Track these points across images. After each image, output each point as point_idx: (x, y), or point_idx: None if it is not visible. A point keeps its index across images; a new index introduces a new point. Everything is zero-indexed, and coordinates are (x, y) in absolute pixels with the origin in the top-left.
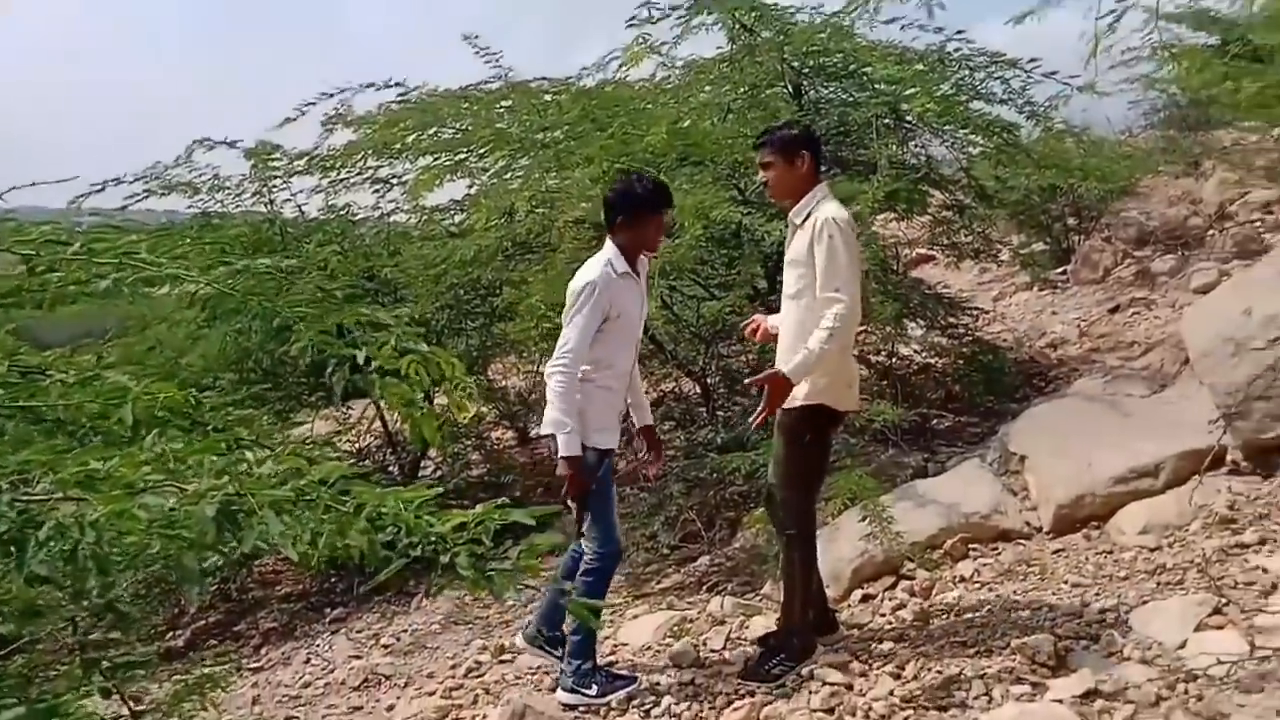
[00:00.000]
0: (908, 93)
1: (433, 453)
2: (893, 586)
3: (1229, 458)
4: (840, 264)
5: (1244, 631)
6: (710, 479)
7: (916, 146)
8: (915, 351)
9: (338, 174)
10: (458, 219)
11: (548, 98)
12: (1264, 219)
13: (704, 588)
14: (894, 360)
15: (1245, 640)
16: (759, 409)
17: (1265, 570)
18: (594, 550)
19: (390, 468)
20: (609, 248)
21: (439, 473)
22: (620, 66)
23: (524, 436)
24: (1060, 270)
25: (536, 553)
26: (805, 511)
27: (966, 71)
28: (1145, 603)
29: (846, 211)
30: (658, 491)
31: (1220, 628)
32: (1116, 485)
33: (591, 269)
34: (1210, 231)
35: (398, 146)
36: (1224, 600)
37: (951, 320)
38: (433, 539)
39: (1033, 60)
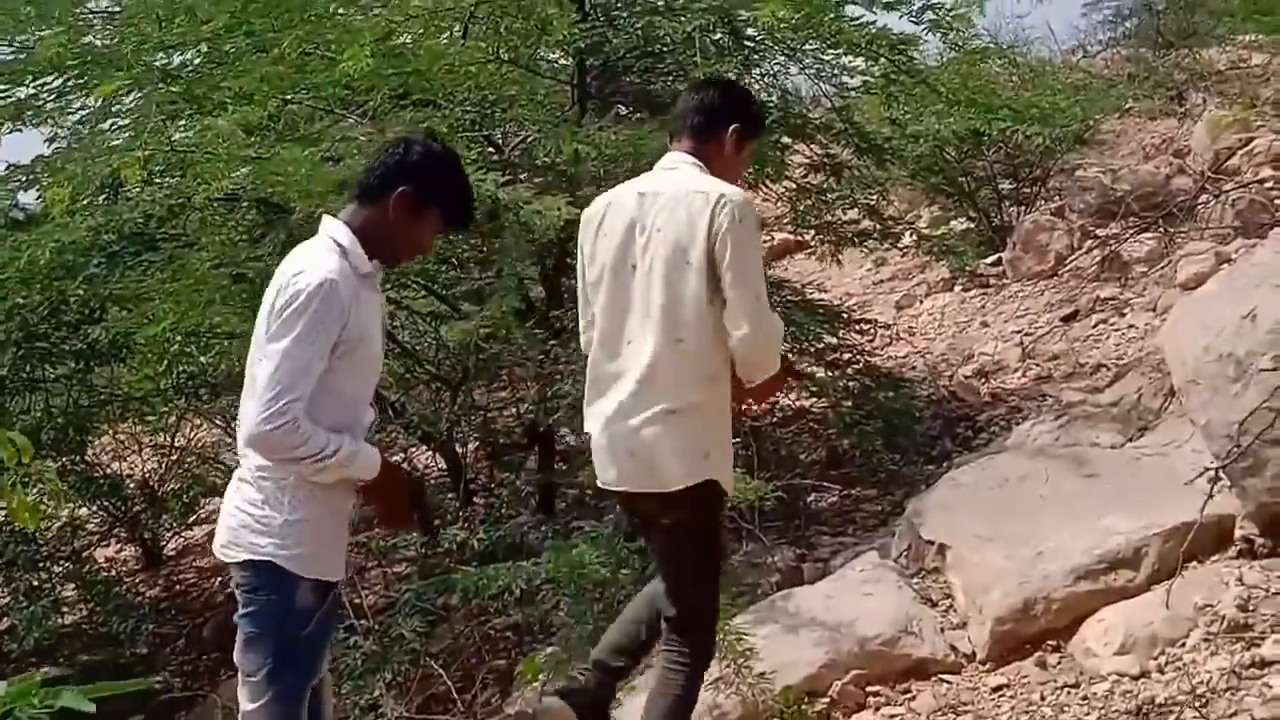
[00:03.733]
0: None
1: None
2: None
3: (1238, 532)
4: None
5: None
6: (465, 608)
7: (765, 76)
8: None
9: None
10: (25, 198)
11: None
12: (1276, 176)
13: None
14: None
15: None
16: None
17: None
18: None
19: None
20: (341, 231)
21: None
22: None
23: (152, 553)
24: (992, 259)
25: None
26: (714, 620)
27: None
28: None
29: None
30: (380, 633)
31: None
32: (1080, 583)
33: (318, 260)
34: (1203, 197)
35: None
36: None
37: (833, 342)
38: None
39: None
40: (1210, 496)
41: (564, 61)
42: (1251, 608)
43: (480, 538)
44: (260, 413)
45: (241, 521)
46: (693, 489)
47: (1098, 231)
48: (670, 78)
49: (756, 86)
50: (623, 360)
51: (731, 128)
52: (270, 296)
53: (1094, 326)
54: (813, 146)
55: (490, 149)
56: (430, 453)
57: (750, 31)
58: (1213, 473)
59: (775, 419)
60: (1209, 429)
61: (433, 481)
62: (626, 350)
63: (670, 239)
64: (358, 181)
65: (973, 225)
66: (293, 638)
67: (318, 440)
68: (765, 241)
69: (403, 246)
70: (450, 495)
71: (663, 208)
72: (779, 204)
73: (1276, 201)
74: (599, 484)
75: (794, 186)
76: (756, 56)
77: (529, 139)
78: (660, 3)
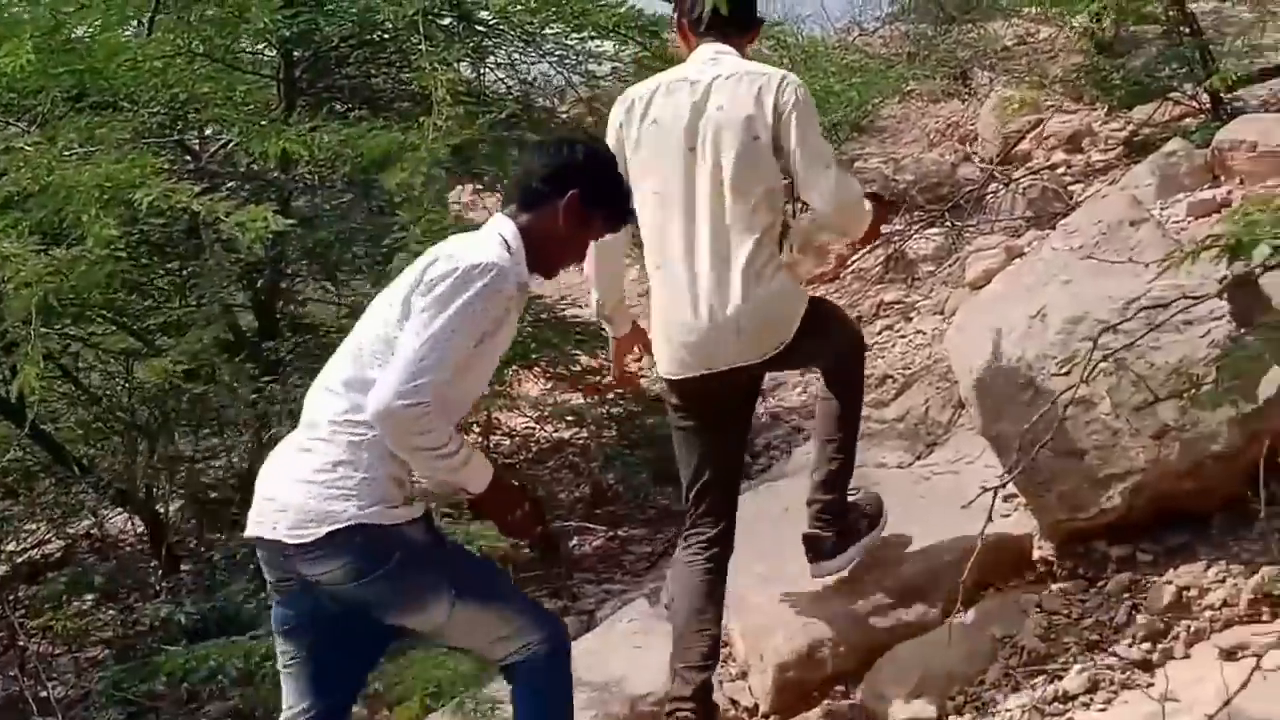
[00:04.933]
0: None
1: None
2: None
3: (1035, 554)
4: None
5: None
6: (173, 694)
7: (502, 65)
8: (533, 419)
9: None
10: None
11: None
12: (1069, 161)
13: None
14: (495, 435)
15: None
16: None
17: None
18: (528, 646)
19: None
20: (511, 231)
21: None
22: None
23: None
24: None
25: None
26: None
27: None
28: None
29: None
30: None
31: None
32: (869, 620)
33: (487, 247)
34: (992, 186)
35: None
36: None
37: (593, 363)
38: None
39: None
40: (990, 518)
41: (268, 54)
42: (1053, 637)
43: (188, 611)
44: (400, 384)
45: (311, 493)
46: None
47: (880, 228)
48: (393, 69)
49: (493, 76)
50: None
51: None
52: (422, 263)
53: (879, 334)
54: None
55: (186, 156)
56: (126, 515)
57: (484, 15)
58: (1002, 489)
59: (530, 454)
60: (1000, 442)
61: (128, 549)
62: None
63: (736, 117)
64: (517, 186)
65: None
66: (447, 570)
67: (442, 433)
68: None
69: (567, 255)
70: (151, 564)
71: (718, 89)
72: None
73: (1071, 188)
74: (675, 375)
75: None
76: (491, 43)
77: (230, 143)
78: None
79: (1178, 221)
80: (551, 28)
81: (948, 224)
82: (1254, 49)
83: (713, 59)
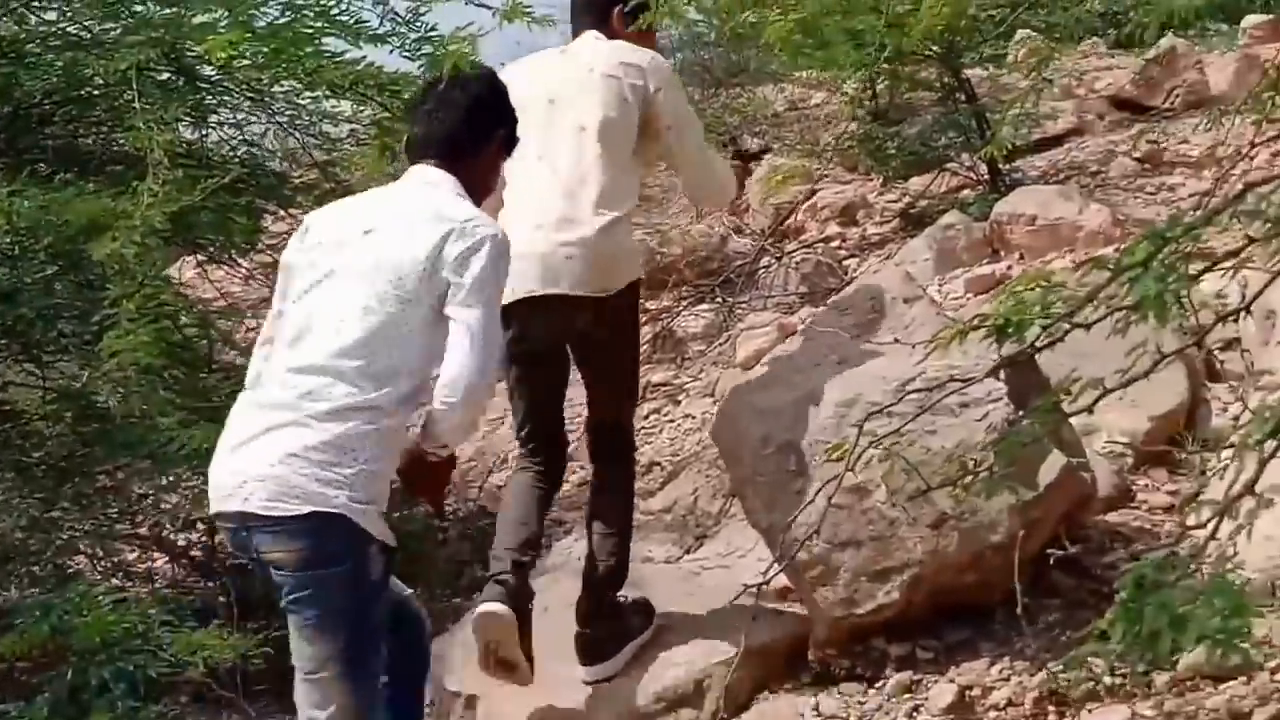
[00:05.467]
0: (196, 21)
1: None
2: None
3: (812, 653)
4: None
5: None
6: None
7: (226, 124)
8: None
9: None
10: None
11: None
12: (844, 234)
13: None
14: None
15: None
16: None
17: None
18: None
19: None
20: (453, 182)
21: None
22: None
23: None
24: None
25: None
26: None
27: None
28: None
29: None
30: None
31: None
32: None
33: (465, 207)
34: (764, 259)
35: None
36: None
37: None
38: None
39: None
40: (755, 616)
41: None
42: None
43: None
44: (481, 365)
45: (299, 469)
46: (629, 287)
47: (649, 305)
48: (104, 128)
49: (216, 137)
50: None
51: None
52: (427, 237)
53: (646, 418)
54: (294, 212)
55: None
56: None
57: (206, 70)
58: (775, 585)
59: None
60: (772, 534)
61: None
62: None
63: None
64: (436, 138)
65: None
66: (369, 616)
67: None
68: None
69: (484, 197)
70: None
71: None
72: (252, 284)
73: (845, 262)
74: (518, 295)
75: (274, 261)
76: (214, 101)
77: None
78: (87, 35)
79: (956, 298)
80: (281, 85)
81: (718, 300)
82: (1031, 117)
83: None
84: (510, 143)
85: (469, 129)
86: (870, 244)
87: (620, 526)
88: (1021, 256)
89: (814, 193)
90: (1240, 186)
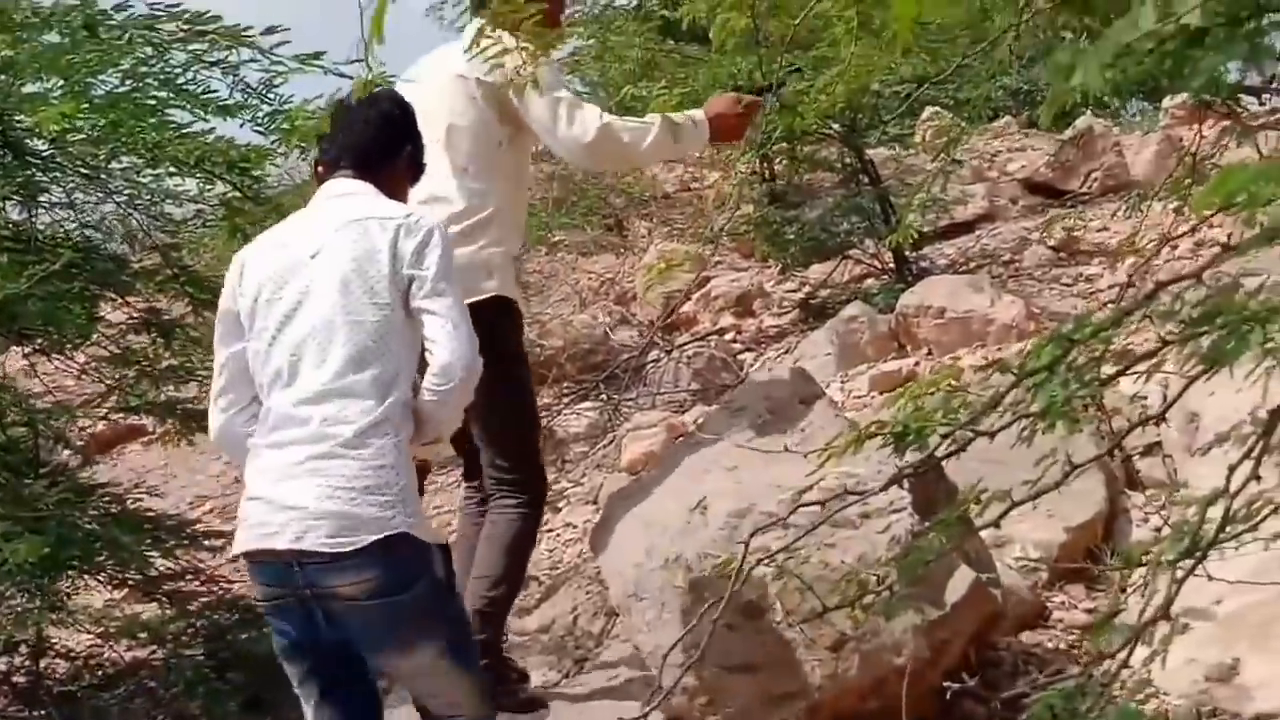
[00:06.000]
0: (26, 90)
1: None
2: None
3: None
4: None
5: None
6: None
7: (58, 204)
8: (97, 636)
9: None
10: None
11: None
12: (740, 326)
13: None
14: (48, 657)
15: None
16: None
17: None
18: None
19: None
20: (370, 187)
21: None
22: None
23: None
24: None
25: None
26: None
27: (151, 50)
28: None
29: None
30: None
31: None
32: None
33: (395, 205)
34: (653, 353)
35: None
36: None
37: (171, 567)
38: None
39: (275, 30)
40: None
41: None
42: None
43: None
44: (470, 349)
45: (352, 501)
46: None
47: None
48: None
49: (48, 218)
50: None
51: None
52: (378, 239)
53: None
54: (134, 300)
55: None
56: None
57: (36, 144)
58: (658, 711)
59: (95, 678)
60: (656, 655)
61: None
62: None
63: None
64: (349, 148)
65: None
66: (455, 608)
67: None
68: (74, 426)
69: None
70: None
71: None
72: (86, 379)
73: (741, 357)
74: None
75: (112, 354)
76: (45, 178)
77: None
78: None
79: (860, 396)
80: (120, 161)
81: (602, 397)
82: (939, 202)
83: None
84: (416, 162)
85: (378, 143)
86: (767, 336)
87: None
88: (929, 352)
89: (706, 281)
90: (1152, 285)
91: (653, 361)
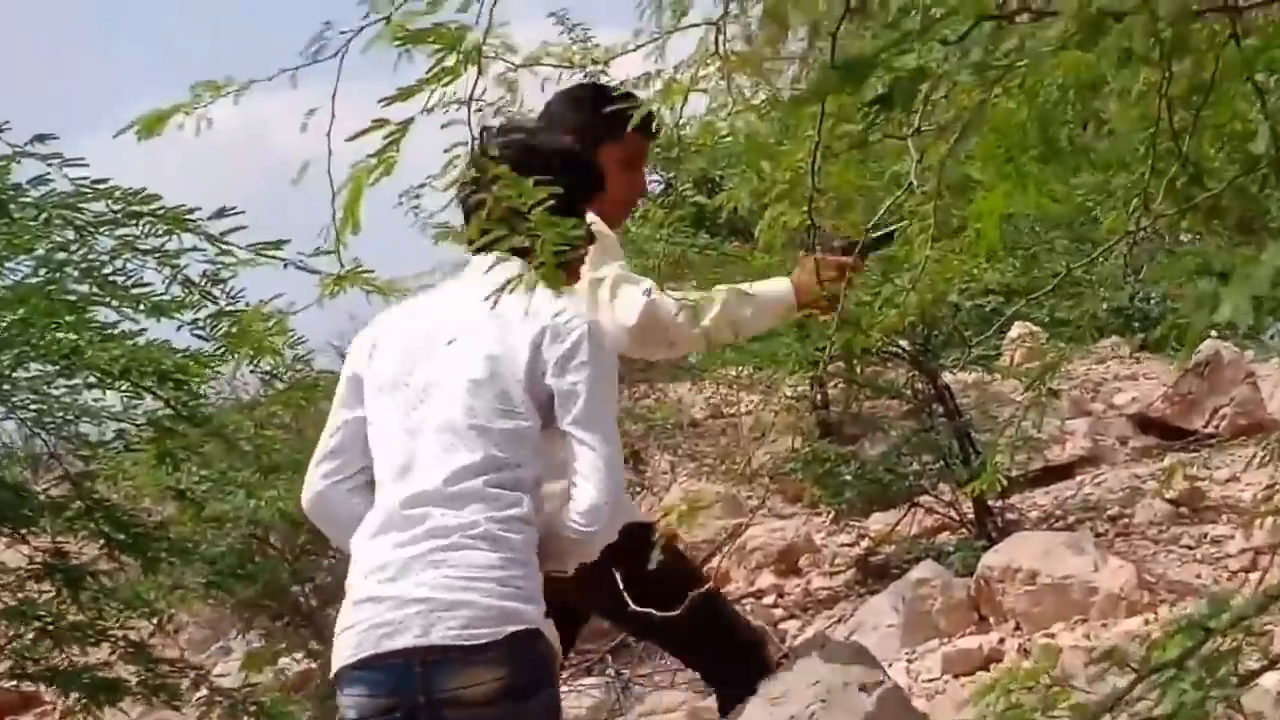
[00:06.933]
0: None
1: None
2: None
3: None
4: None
5: None
6: None
7: None
8: None
9: None
10: None
11: None
12: (782, 587)
13: None
14: None
15: None
16: None
17: None
18: None
19: None
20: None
21: None
22: None
23: None
24: None
25: None
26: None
27: (73, 234)
28: None
29: None
30: None
31: None
32: None
33: (565, 302)
34: None
35: None
36: None
37: None
38: None
39: (226, 213)
40: None
41: None
42: None
43: None
44: (616, 489)
45: (485, 589)
46: None
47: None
48: None
49: None
50: None
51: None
52: (522, 339)
53: None
54: (36, 539)
55: None
56: None
57: None
58: None
59: None
60: None
61: None
62: None
63: None
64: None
65: (317, 665)
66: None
67: None
68: None
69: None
70: None
71: None
72: None
73: (782, 625)
74: None
75: (5, 606)
76: None
77: None
78: None
79: (930, 679)
80: (27, 369)
81: (610, 672)
82: (1031, 441)
83: None
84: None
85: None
86: (817, 601)
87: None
88: (1017, 626)
89: (742, 530)
90: None
91: None
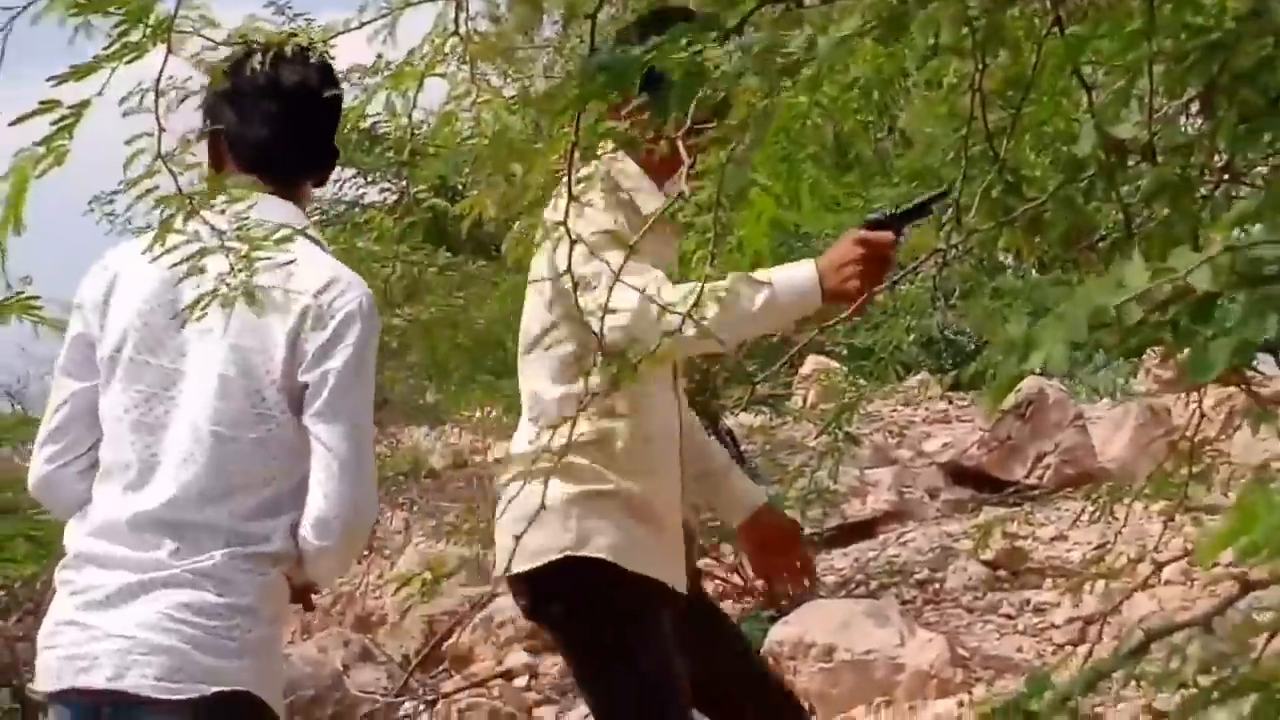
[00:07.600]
0: None
1: None
2: None
3: None
4: None
5: None
6: None
7: None
8: None
9: None
10: None
11: None
12: (536, 664)
13: None
14: None
15: None
16: None
17: None
18: None
19: None
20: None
21: None
22: None
23: None
24: None
25: None
26: None
27: None
28: None
29: None
30: None
31: None
32: None
33: (333, 264)
34: (406, 705)
35: None
36: None
37: None
38: None
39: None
40: None
41: None
42: None
43: None
44: (357, 496)
45: (189, 638)
46: None
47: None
48: None
49: None
50: None
51: None
52: (279, 328)
53: None
54: None
55: None
56: None
57: None
58: None
59: None
60: None
61: None
62: None
63: None
64: (280, 144)
65: None
66: None
67: None
68: None
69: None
70: None
71: None
72: None
73: (537, 711)
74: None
75: None
76: None
77: None
78: None
79: None
80: None
81: None
82: (825, 494)
83: None
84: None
85: (312, 144)
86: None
87: None
88: (813, 710)
89: (490, 600)
90: (1140, 633)
91: (407, 716)
